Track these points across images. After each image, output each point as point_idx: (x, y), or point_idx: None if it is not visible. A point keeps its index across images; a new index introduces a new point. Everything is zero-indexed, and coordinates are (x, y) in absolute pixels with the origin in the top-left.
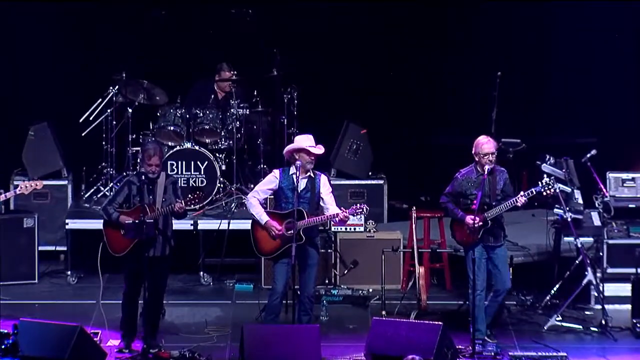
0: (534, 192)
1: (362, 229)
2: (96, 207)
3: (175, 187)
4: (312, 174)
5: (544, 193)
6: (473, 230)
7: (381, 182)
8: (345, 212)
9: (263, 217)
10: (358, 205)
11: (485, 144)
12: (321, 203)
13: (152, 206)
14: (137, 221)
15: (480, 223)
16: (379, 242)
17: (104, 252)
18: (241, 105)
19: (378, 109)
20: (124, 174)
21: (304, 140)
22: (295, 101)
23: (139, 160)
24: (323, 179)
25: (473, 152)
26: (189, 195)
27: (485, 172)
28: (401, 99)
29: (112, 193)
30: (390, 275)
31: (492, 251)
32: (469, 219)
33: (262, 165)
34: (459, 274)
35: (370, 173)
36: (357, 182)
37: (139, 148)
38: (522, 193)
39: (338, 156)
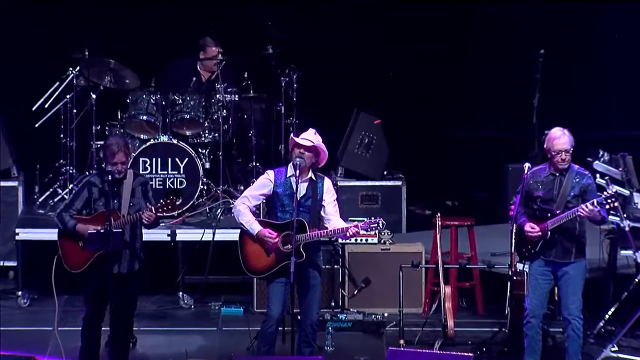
0: (595, 204)
1: (375, 240)
2: (52, 213)
3: (145, 189)
4: (313, 177)
5: (607, 206)
6: (531, 241)
7: (399, 183)
8: (358, 226)
9: (254, 227)
10: (372, 218)
11: (558, 139)
12: (322, 212)
13: (117, 212)
14: (101, 231)
15: (539, 233)
16: (396, 256)
17: (59, 268)
18: (229, 89)
19: (394, 94)
20: (86, 173)
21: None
22: (295, 85)
23: (101, 157)
24: (327, 183)
25: (545, 147)
26: (160, 201)
27: (526, 171)
28: (423, 82)
29: (69, 197)
30: (410, 296)
31: (559, 270)
32: (528, 226)
33: (254, 163)
34: (493, 295)
35: (385, 172)
36: (369, 183)
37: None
38: (583, 205)
39: (346, 152)
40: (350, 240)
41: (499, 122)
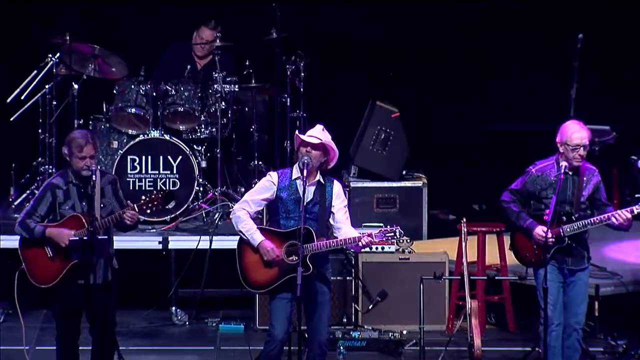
0: (635, 212)
1: (392, 248)
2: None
3: (115, 187)
4: (322, 180)
5: None
6: (543, 247)
7: (419, 184)
8: (371, 235)
9: (256, 237)
10: (388, 227)
11: (577, 132)
12: (330, 220)
13: (89, 216)
14: (85, 237)
15: (553, 239)
16: (416, 266)
17: (23, 281)
18: (228, 79)
19: (415, 84)
20: (50, 172)
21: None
22: (302, 74)
23: (64, 153)
24: (336, 187)
25: (557, 140)
26: (143, 197)
27: (562, 170)
28: (446, 71)
29: (29, 203)
30: (432, 311)
31: (571, 276)
32: (539, 230)
33: (256, 162)
34: (525, 309)
35: (404, 172)
36: (386, 184)
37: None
38: (620, 212)
39: (360, 149)
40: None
41: (533, 115)
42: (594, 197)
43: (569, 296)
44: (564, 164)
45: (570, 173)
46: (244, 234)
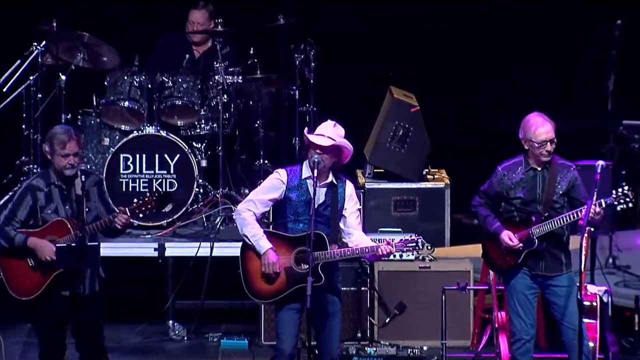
0: (604, 205)
1: (412, 256)
2: None
3: (101, 189)
4: (334, 180)
5: (619, 207)
6: (512, 252)
7: (441, 185)
8: (391, 244)
9: (262, 243)
10: (410, 236)
11: (541, 127)
12: (341, 224)
13: (74, 220)
14: (72, 243)
15: (520, 246)
16: (438, 275)
17: (4, 293)
18: (231, 69)
19: (436, 76)
20: (35, 172)
21: (319, 127)
22: (312, 64)
23: (45, 151)
24: (349, 188)
25: (520, 136)
26: (136, 201)
27: (598, 169)
28: (470, 62)
29: (8, 207)
30: (455, 325)
31: (548, 282)
32: (504, 235)
33: (261, 161)
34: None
35: (425, 172)
36: (404, 185)
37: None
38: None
39: (376, 147)
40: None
41: (565, 109)
42: (570, 195)
43: (555, 305)
44: (600, 163)
45: (539, 169)
46: (248, 239)
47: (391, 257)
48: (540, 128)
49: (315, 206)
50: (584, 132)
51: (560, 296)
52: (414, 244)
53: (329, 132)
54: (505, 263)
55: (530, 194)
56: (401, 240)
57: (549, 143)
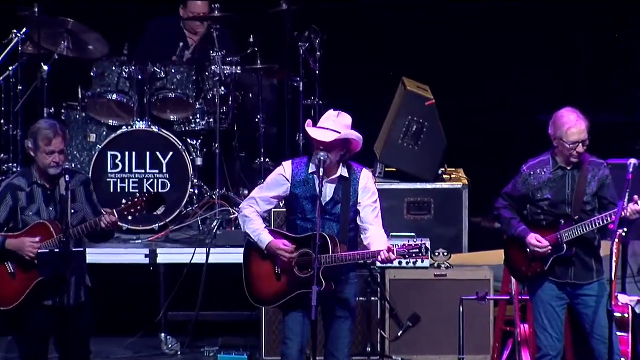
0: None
1: (426, 263)
2: None
3: (88, 190)
4: (345, 173)
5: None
6: (538, 257)
7: (459, 185)
8: (392, 250)
9: (264, 237)
10: (412, 242)
11: (574, 127)
12: (358, 221)
13: (58, 224)
14: (56, 249)
15: (549, 248)
16: (455, 284)
17: None
18: (229, 59)
19: (452, 67)
20: (15, 170)
21: (323, 118)
22: (318, 53)
23: (28, 147)
24: (363, 179)
25: (550, 133)
26: (125, 202)
27: (631, 168)
28: (490, 51)
29: None
30: (474, 339)
31: (578, 291)
32: (531, 238)
33: (262, 160)
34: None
35: (441, 171)
36: (418, 186)
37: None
38: (633, 204)
39: (388, 144)
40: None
41: (594, 104)
42: (599, 195)
43: (585, 316)
44: (633, 161)
45: (569, 168)
46: (250, 236)
47: (403, 264)
48: (573, 128)
49: (323, 204)
50: (615, 128)
51: (590, 306)
52: (417, 250)
53: (331, 125)
54: (531, 270)
55: (558, 195)
56: (403, 245)
57: (580, 144)
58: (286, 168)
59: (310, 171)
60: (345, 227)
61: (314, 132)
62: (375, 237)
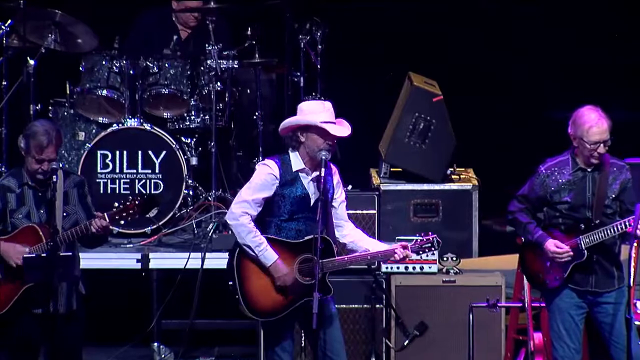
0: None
1: (434, 267)
2: None
3: (82, 192)
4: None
5: None
6: (555, 265)
7: (468, 186)
8: (407, 247)
9: (269, 255)
10: (424, 236)
11: (595, 127)
12: (333, 218)
13: (47, 227)
14: (43, 254)
15: (570, 253)
16: (465, 291)
17: None
18: (225, 53)
19: (461, 61)
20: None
21: (315, 110)
22: (319, 47)
23: (21, 147)
24: (335, 173)
25: (570, 132)
26: (116, 205)
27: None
28: (501, 44)
29: None
30: (485, 348)
31: (598, 299)
32: (550, 244)
33: (260, 158)
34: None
35: (450, 171)
36: (425, 186)
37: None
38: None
39: (393, 142)
40: (397, 266)
41: (612, 99)
42: (620, 198)
43: (604, 325)
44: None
45: (589, 170)
46: (252, 250)
47: (410, 269)
48: (594, 127)
49: (310, 204)
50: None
51: (610, 314)
52: (430, 244)
53: (333, 117)
54: (549, 277)
55: (578, 198)
56: (415, 241)
57: (602, 145)
58: (273, 168)
59: (294, 167)
60: (331, 226)
61: (334, 129)
62: (359, 235)
